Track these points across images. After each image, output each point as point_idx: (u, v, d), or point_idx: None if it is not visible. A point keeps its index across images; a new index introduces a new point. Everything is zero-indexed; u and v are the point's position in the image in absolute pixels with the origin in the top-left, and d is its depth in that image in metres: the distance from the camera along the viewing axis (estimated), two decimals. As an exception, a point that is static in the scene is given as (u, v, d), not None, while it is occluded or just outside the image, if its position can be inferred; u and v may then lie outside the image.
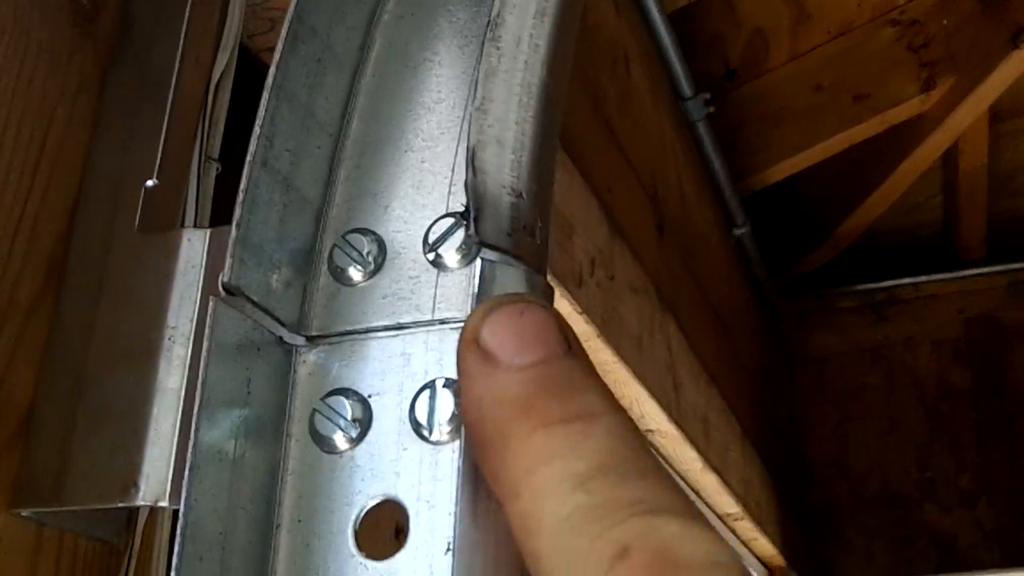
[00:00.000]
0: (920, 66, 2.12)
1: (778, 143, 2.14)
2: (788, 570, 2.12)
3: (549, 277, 0.37)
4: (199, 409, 0.34)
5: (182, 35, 0.52)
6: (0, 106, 0.46)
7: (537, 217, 0.36)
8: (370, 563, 0.34)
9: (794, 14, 2.08)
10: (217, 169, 0.57)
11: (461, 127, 0.41)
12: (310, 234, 0.41)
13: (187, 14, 0.53)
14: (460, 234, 0.38)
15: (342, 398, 0.37)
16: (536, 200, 0.36)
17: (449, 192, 0.40)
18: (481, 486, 0.33)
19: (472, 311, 0.34)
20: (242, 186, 0.38)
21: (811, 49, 2.12)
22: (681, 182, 1.71)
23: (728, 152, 1.97)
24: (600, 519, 0.25)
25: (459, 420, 0.35)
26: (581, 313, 1.05)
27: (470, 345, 0.31)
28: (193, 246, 0.43)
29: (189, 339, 0.41)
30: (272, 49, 0.74)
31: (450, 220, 0.39)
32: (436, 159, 0.41)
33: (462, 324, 0.37)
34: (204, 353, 0.34)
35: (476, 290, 0.34)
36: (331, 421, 0.36)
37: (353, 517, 0.35)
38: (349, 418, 0.36)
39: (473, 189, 0.35)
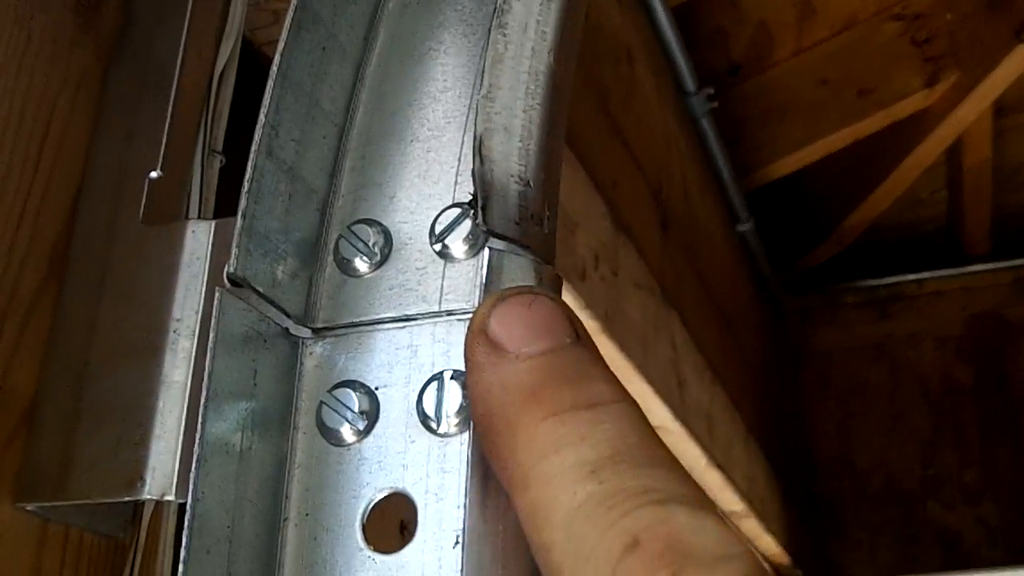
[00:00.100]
0: (924, 61, 2.12)
1: (782, 138, 2.13)
2: (792, 567, 2.12)
3: (553, 270, 0.37)
4: (206, 401, 0.33)
5: (185, 27, 0.52)
6: (2, 98, 0.46)
7: (545, 206, 0.35)
8: (378, 556, 0.34)
9: (798, 9, 2.07)
10: (221, 162, 0.56)
11: (467, 116, 0.41)
12: (316, 225, 0.41)
13: (190, 6, 0.53)
14: (467, 224, 0.38)
15: (349, 390, 0.36)
16: (544, 189, 0.35)
17: (455, 182, 0.40)
18: (490, 479, 0.33)
19: (480, 302, 0.34)
20: (247, 175, 0.37)
21: (815, 44, 2.11)
22: (685, 178, 1.71)
23: (732, 147, 1.97)
24: (610, 509, 0.25)
25: (467, 412, 0.34)
26: (584, 308, 1.05)
27: (478, 336, 0.31)
28: (198, 238, 0.43)
29: (194, 332, 0.41)
30: (275, 43, 0.74)
31: (457, 210, 0.38)
32: (442, 149, 0.41)
33: (469, 315, 0.37)
34: (210, 345, 0.34)
35: (484, 280, 0.33)
36: (338, 413, 0.36)
37: (361, 510, 0.35)
38: (356, 410, 0.36)
39: (480, 178, 0.34)
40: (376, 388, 0.37)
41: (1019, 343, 2.45)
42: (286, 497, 0.36)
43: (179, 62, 0.52)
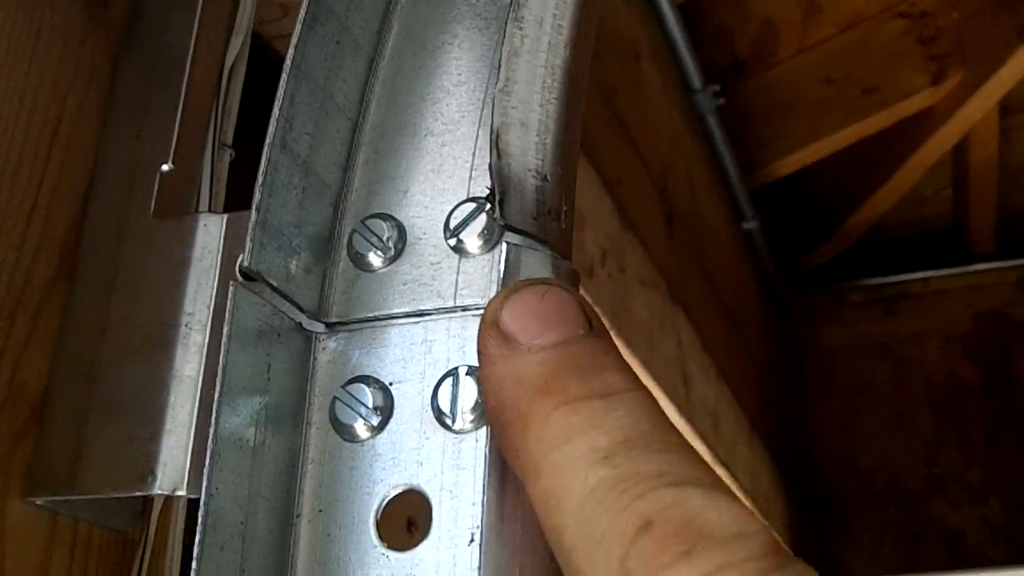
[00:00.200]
0: (929, 59, 2.11)
1: (787, 136, 2.13)
2: (796, 565, 2.11)
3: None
4: (220, 396, 0.33)
5: (196, 19, 0.52)
6: (12, 91, 0.45)
7: (562, 200, 0.35)
8: (392, 554, 0.34)
9: (803, 6, 2.07)
10: (231, 155, 0.56)
11: (481, 110, 0.41)
12: (329, 219, 0.40)
13: (200, 0, 0.53)
14: (482, 219, 0.38)
15: (363, 386, 0.36)
16: (561, 183, 0.35)
17: (470, 177, 0.40)
18: (507, 475, 0.33)
19: (494, 295, 0.33)
20: (261, 168, 0.37)
21: (820, 42, 2.11)
22: (691, 175, 1.70)
23: (736, 145, 1.96)
24: (623, 492, 0.24)
25: (482, 408, 0.34)
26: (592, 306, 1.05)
27: (490, 328, 0.31)
28: (210, 232, 0.43)
29: (206, 326, 0.41)
30: (285, 36, 0.74)
31: (471, 205, 0.38)
32: (456, 143, 0.41)
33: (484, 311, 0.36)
34: (224, 339, 0.34)
35: (502, 274, 0.33)
36: (352, 409, 0.36)
37: (374, 507, 0.34)
38: (370, 406, 0.36)
39: (498, 172, 0.34)
40: (390, 384, 0.37)
41: (1023, 341, 2.45)
42: (299, 493, 0.35)
43: (190, 55, 0.51)
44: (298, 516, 0.35)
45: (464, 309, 0.37)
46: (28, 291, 0.43)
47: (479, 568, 0.31)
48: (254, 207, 0.36)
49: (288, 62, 0.39)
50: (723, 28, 2.01)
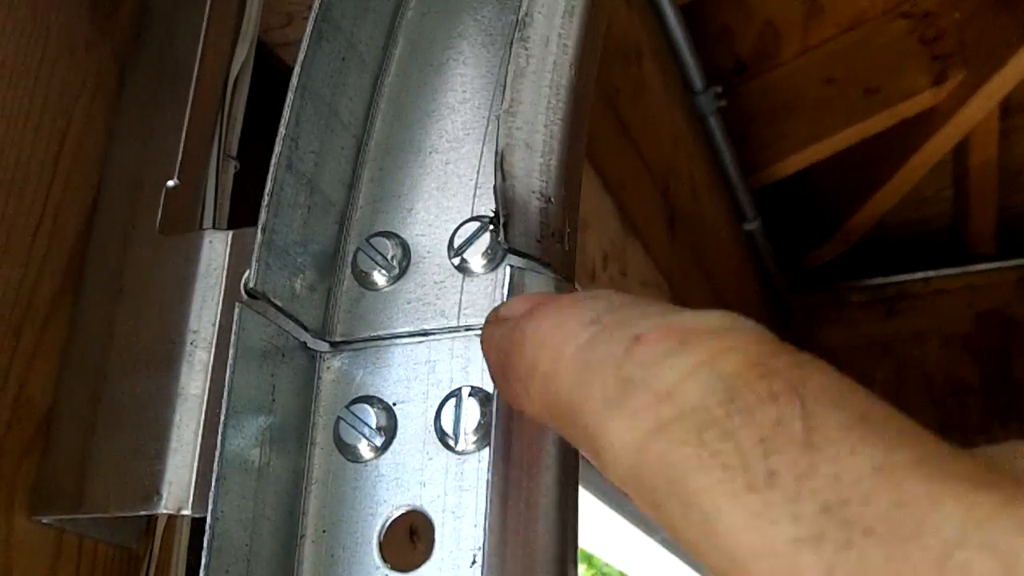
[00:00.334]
0: (932, 59, 2.11)
1: (788, 136, 2.12)
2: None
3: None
4: (225, 417, 0.33)
5: (202, 30, 0.52)
6: (20, 102, 0.46)
7: (566, 222, 0.35)
8: (395, 575, 0.34)
9: (805, 7, 2.07)
10: (235, 167, 0.56)
11: (486, 128, 0.41)
12: (334, 236, 0.41)
13: (207, 8, 0.53)
14: (486, 238, 0.38)
15: (367, 406, 0.36)
16: (565, 205, 0.35)
17: (474, 195, 0.40)
18: (509, 497, 0.33)
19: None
20: (267, 189, 0.37)
21: (822, 42, 2.11)
22: (692, 176, 1.70)
23: (738, 146, 1.96)
24: (613, 331, 0.24)
25: (485, 430, 0.34)
26: (594, 309, 1.05)
27: (488, 320, 0.30)
28: (215, 248, 0.43)
29: (211, 343, 0.41)
30: (289, 44, 0.74)
31: (475, 224, 0.38)
32: (461, 161, 0.41)
33: (488, 330, 0.36)
34: (230, 360, 0.34)
35: (506, 296, 0.33)
36: (355, 429, 0.36)
37: (378, 528, 0.35)
38: (374, 426, 0.36)
39: (502, 194, 0.34)
40: (394, 404, 0.37)
41: (1024, 342, 2.45)
42: (303, 513, 0.35)
43: (196, 66, 0.51)
44: (302, 537, 0.35)
45: (468, 329, 0.37)
46: (34, 306, 0.43)
47: (482, 591, 0.31)
48: (259, 228, 0.36)
49: (294, 80, 0.39)
50: (725, 29, 2.01)
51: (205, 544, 0.31)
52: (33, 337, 0.43)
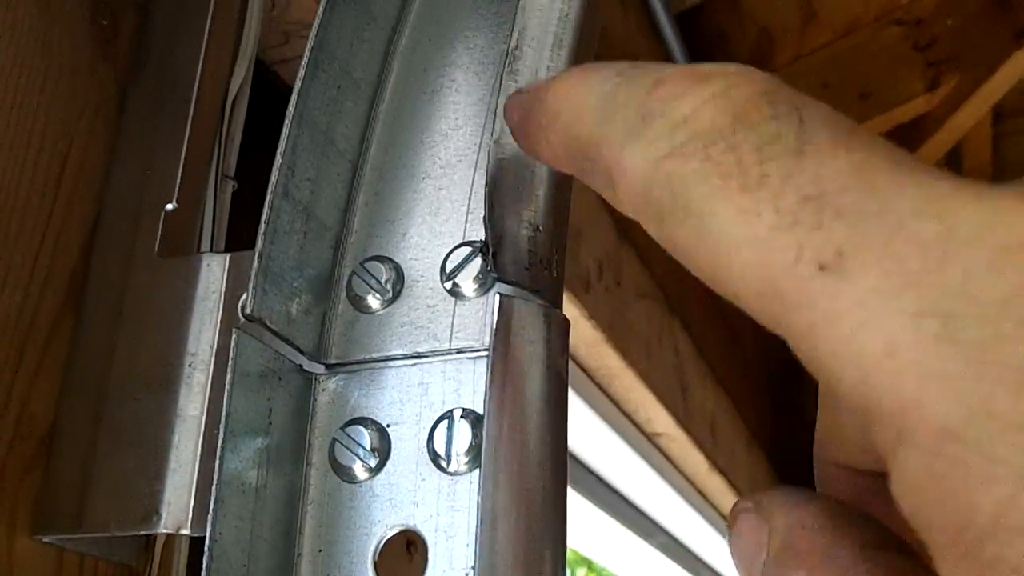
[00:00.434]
0: (926, 65, 2.12)
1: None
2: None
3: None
4: (223, 441, 0.34)
5: (202, 51, 0.53)
6: (22, 124, 0.47)
7: (554, 250, 0.36)
8: (390, 592, 0.35)
9: (800, 13, 2.08)
10: (233, 187, 0.57)
11: (478, 155, 0.42)
12: (329, 260, 0.42)
13: (207, 29, 0.54)
14: (477, 263, 0.39)
15: (361, 427, 0.37)
16: (553, 233, 0.36)
17: (466, 220, 0.41)
18: (499, 517, 0.34)
19: (489, 342, 0.34)
20: (264, 216, 0.38)
21: (817, 48, 2.12)
22: (688, 183, 1.71)
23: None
24: (637, 78, 0.25)
25: (477, 451, 0.35)
26: (589, 319, 1.06)
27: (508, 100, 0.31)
28: (212, 271, 0.44)
29: (209, 365, 0.42)
30: (287, 61, 0.75)
31: (467, 249, 0.39)
32: (453, 186, 0.42)
33: (479, 353, 0.38)
34: (228, 385, 0.35)
35: (495, 325, 0.34)
36: (350, 451, 0.37)
37: (372, 547, 0.36)
38: (368, 448, 0.37)
39: (491, 224, 0.35)
40: (387, 425, 0.38)
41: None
42: (299, 533, 0.36)
43: (195, 88, 0.52)
44: (299, 556, 0.36)
45: (459, 352, 0.38)
46: (36, 326, 0.44)
47: (473, 611, 0.32)
48: (256, 255, 0.37)
49: (291, 109, 0.40)
50: (720, 35, 2.02)
51: (204, 566, 0.32)
52: (35, 357, 0.44)
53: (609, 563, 2.10)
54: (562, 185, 0.37)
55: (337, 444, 0.37)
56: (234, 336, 0.36)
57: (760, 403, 2.04)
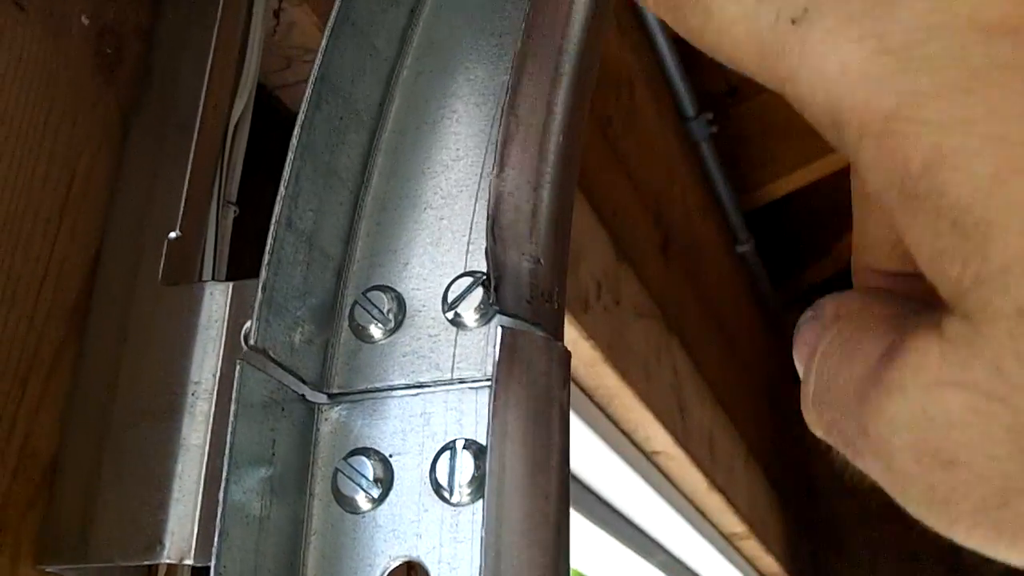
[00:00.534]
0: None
1: (781, 159, 2.15)
2: (792, 586, 2.12)
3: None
4: (227, 472, 0.35)
5: (205, 79, 0.53)
6: (27, 154, 0.47)
7: (555, 283, 0.36)
8: (392, 623, 0.35)
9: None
10: (235, 212, 0.58)
11: (478, 185, 0.42)
12: (331, 289, 0.42)
13: (210, 59, 0.54)
14: (478, 293, 0.39)
15: (364, 458, 0.38)
16: (554, 265, 0.37)
17: (467, 250, 0.41)
18: (503, 547, 0.34)
19: (491, 373, 0.35)
20: (268, 247, 0.38)
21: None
22: (685, 201, 1.72)
23: (731, 167, 1.98)
24: None
25: (479, 482, 0.36)
26: (587, 339, 1.06)
27: None
28: (215, 300, 0.44)
29: (212, 394, 0.42)
30: (288, 86, 0.76)
31: (469, 279, 0.40)
32: (454, 217, 0.42)
33: (481, 383, 0.38)
34: (232, 417, 0.35)
35: (497, 358, 0.34)
36: (353, 481, 0.37)
37: (375, 578, 0.36)
38: (371, 478, 0.37)
39: (493, 257, 0.35)
40: (390, 456, 0.38)
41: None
42: (303, 564, 0.37)
43: (199, 116, 0.53)
44: (302, 587, 0.36)
45: (461, 381, 0.39)
46: (39, 356, 0.45)
47: (476, 643, 0.33)
48: (260, 286, 0.38)
49: (294, 141, 0.41)
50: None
51: (208, 599, 0.32)
52: (38, 386, 0.44)
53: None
54: (563, 217, 0.38)
55: (340, 474, 0.38)
56: (238, 367, 0.36)
57: (758, 418, 2.04)
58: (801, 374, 0.27)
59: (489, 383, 0.38)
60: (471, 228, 0.42)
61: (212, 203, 0.54)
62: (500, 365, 0.34)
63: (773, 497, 2.00)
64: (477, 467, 0.36)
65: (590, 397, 1.19)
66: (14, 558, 0.40)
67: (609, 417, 1.23)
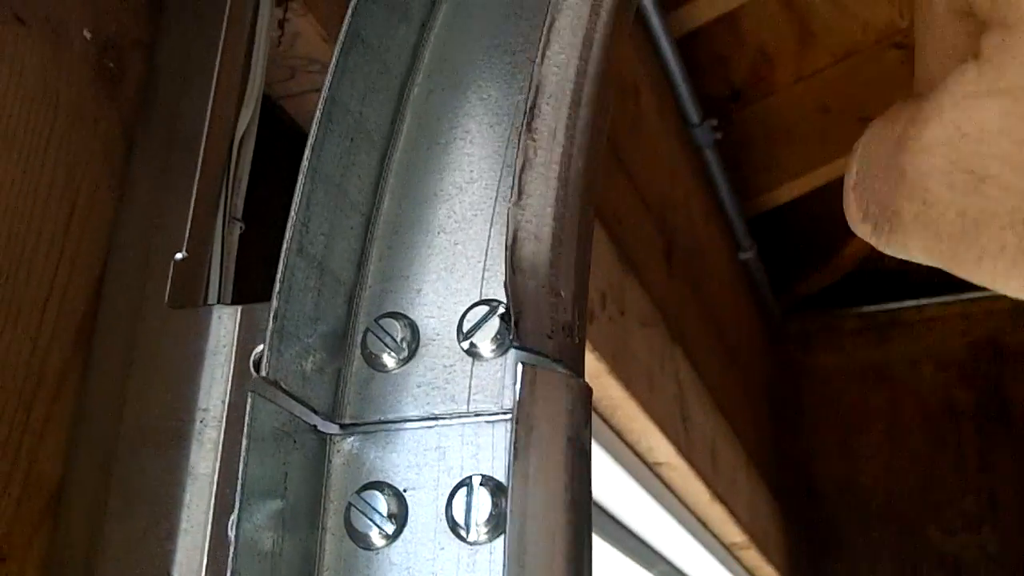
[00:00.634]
0: (925, 89, 2.12)
1: (784, 164, 2.14)
2: (792, 594, 2.12)
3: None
4: (240, 509, 0.34)
5: (211, 95, 0.52)
6: (29, 175, 0.46)
7: (576, 316, 0.35)
8: (407, 664, 0.34)
9: (799, 37, 2.08)
10: (240, 228, 0.57)
11: (494, 209, 0.41)
12: (343, 316, 0.41)
13: (216, 73, 0.53)
14: (495, 323, 0.38)
15: (377, 492, 0.37)
16: (575, 297, 0.36)
17: (482, 277, 0.40)
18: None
19: (510, 407, 0.34)
20: (279, 275, 0.37)
21: (816, 71, 2.12)
22: (689, 208, 1.71)
23: (733, 173, 1.97)
24: None
25: (497, 520, 0.35)
26: (592, 350, 1.05)
27: None
28: (224, 324, 0.43)
29: (221, 421, 0.41)
30: (292, 96, 0.75)
31: (484, 308, 0.39)
32: (469, 242, 0.41)
33: (498, 417, 0.37)
34: (243, 452, 0.34)
35: (518, 397, 0.33)
36: (366, 516, 0.36)
37: (390, 617, 0.35)
38: (385, 513, 0.36)
39: (512, 290, 0.34)
40: (404, 490, 0.37)
41: (1017, 369, 2.46)
42: (315, 602, 0.36)
43: (205, 132, 0.52)
44: (314, 626, 0.35)
45: (477, 415, 0.38)
46: (44, 379, 0.44)
47: None
48: (271, 314, 0.37)
49: (304, 164, 0.40)
50: (719, 58, 2.03)
51: (220, 643, 0.31)
52: (43, 410, 0.43)
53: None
54: (584, 247, 0.37)
55: (353, 509, 0.37)
56: (249, 399, 0.35)
57: (758, 425, 2.03)
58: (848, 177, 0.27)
59: (506, 417, 0.37)
60: (486, 254, 0.41)
61: (218, 220, 0.53)
62: (521, 405, 0.33)
63: (773, 506, 1.99)
64: (495, 505, 0.35)
65: (593, 408, 1.18)
66: (17, 590, 0.39)
67: (612, 428, 1.22)
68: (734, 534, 1.66)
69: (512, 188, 0.36)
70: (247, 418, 0.35)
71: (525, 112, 0.38)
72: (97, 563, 0.40)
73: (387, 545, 0.36)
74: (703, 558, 1.69)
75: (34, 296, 0.45)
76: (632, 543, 1.55)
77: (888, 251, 0.28)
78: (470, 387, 0.38)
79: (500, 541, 0.34)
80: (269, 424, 0.36)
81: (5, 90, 0.45)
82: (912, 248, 0.27)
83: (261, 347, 0.42)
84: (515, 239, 0.35)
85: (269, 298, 0.39)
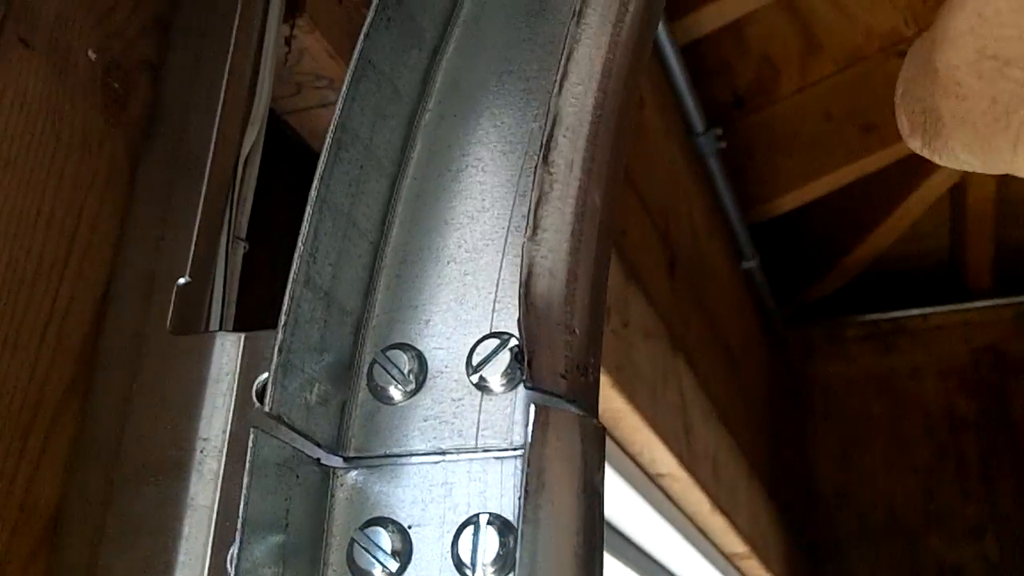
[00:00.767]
0: (930, 98, 2.11)
1: (787, 173, 2.13)
2: (791, 603, 2.11)
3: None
4: (240, 544, 0.33)
5: (217, 116, 0.51)
6: (32, 198, 0.45)
7: (591, 354, 0.35)
8: None
9: (803, 45, 2.08)
10: (244, 248, 0.56)
11: (506, 240, 0.40)
12: (349, 346, 0.40)
13: (222, 95, 0.52)
14: (505, 357, 0.37)
15: (381, 529, 0.36)
16: (590, 335, 0.35)
17: (493, 309, 0.39)
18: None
19: (521, 444, 0.33)
20: (284, 308, 0.37)
21: (820, 79, 2.11)
22: (692, 218, 1.70)
23: (736, 181, 1.97)
24: None
25: (504, 560, 0.34)
26: (596, 363, 1.04)
27: None
28: (226, 351, 0.42)
29: (222, 452, 0.40)
30: (298, 112, 0.74)
31: (495, 341, 0.38)
32: (480, 272, 0.40)
33: (507, 453, 0.36)
34: (244, 489, 0.33)
35: (530, 438, 0.32)
36: (369, 553, 0.35)
37: (395, 660, 0.34)
38: (388, 551, 0.35)
39: (526, 328, 0.34)
40: (409, 527, 0.36)
41: (1021, 378, 2.45)
42: (318, 643, 0.35)
43: (210, 154, 0.51)
44: (317, 669, 0.34)
45: (485, 451, 0.37)
46: (42, 406, 0.43)
47: None
48: (276, 347, 0.36)
49: (313, 193, 0.39)
50: (723, 65, 2.02)
51: None
52: (40, 438, 0.43)
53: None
54: (600, 283, 0.36)
55: (356, 545, 0.36)
56: (251, 434, 0.35)
57: (758, 434, 2.02)
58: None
59: (515, 453, 0.36)
60: (497, 285, 0.40)
61: (222, 242, 0.52)
62: (533, 446, 0.32)
63: (774, 516, 1.98)
64: (502, 545, 0.34)
65: (596, 420, 1.17)
66: (13, 624, 0.39)
67: (615, 440, 1.22)
68: (735, 544, 1.65)
69: (527, 222, 0.35)
70: (249, 453, 0.34)
71: (541, 144, 0.37)
72: (95, 597, 0.39)
73: (392, 585, 0.35)
74: (704, 568, 1.68)
75: (33, 322, 0.44)
76: (633, 553, 1.54)
77: (938, 160, 0.30)
78: (479, 422, 0.37)
79: (509, 583, 0.33)
80: (271, 459, 0.35)
81: (8, 114, 0.44)
82: (956, 148, 0.29)
83: (264, 376, 0.42)
84: (530, 274, 0.35)
85: (272, 322, 0.38)
